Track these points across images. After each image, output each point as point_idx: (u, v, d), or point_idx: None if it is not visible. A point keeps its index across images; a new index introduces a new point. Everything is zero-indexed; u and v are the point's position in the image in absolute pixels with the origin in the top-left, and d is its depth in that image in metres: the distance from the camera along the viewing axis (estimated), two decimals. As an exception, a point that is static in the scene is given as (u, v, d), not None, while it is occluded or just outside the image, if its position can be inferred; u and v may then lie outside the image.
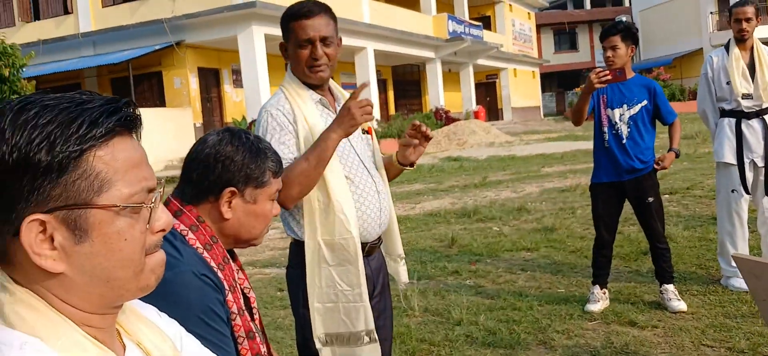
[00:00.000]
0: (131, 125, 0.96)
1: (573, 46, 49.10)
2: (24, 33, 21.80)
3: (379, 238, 2.50)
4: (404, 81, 32.86)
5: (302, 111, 2.32)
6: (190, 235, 1.63)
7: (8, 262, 0.93)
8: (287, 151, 2.26)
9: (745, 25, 4.75)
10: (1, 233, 0.90)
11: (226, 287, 1.61)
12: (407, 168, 2.58)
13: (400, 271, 2.66)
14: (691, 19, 39.65)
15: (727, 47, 4.87)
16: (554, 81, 49.55)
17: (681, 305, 4.39)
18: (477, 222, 8.21)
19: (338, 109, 2.42)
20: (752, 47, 4.77)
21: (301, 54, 2.34)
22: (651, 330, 4.13)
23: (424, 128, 2.50)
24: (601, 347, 3.93)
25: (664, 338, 3.99)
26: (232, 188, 1.69)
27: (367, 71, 24.33)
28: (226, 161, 1.68)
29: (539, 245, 6.57)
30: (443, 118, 26.65)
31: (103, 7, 21.48)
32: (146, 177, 0.97)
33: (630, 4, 48.53)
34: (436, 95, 28.99)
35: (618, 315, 4.37)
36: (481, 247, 6.69)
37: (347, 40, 22.76)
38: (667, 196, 8.76)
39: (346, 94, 2.50)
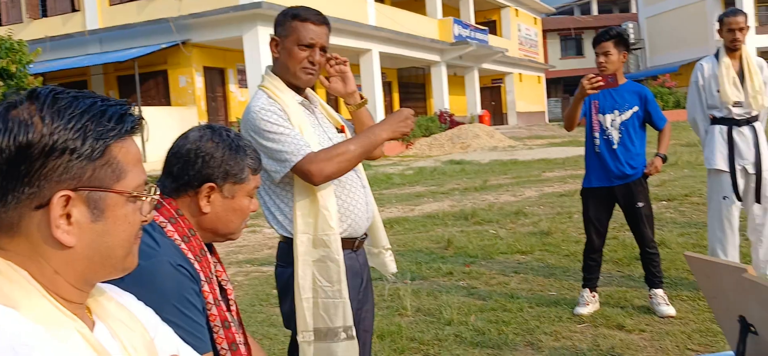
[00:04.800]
0: (140, 127, 1.12)
1: (579, 52, 49.10)
2: (31, 30, 21.95)
3: (366, 232, 2.57)
4: (409, 84, 32.93)
5: (290, 111, 2.38)
6: (169, 227, 1.70)
7: (11, 233, 1.02)
8: (298, 140, 2.31)
9: (738, 34, 4.79)
10: (20, 203, 1.01)
11: (203, 277, 1.67)
12: (362, 105, 2.60)
13: (387, 262, 2.72)
14: (697, 26, 39.62)
15: (716, 55, 4.92)
16: (560, 86, 49.53)
17: (670, 310, 4.44)
18: (474, 225, 8.27)
19: (316, 112, 2.51)
20: (741, 56, 4.81)
21: (299, 55, 2.40)
22: (638, 333, 4.18)
23: (333, 55, 2.54)
24: (588, 349, 3.99)
25: (650, 342, 4.04)
26: (211, 184, 1.76)
27: (372, 73, 24.42)
28: (206, 157, 1.75)
29: (534, 248, 6.63)
30: (448, 121, 26.71)
31: (110, 5, 21.61)
32: (144, 172, 1.13)
33: (637, 10, 48.52)
34: (441, 98, 29.05)
35: (607, 318, 4.43)
36: (476, 249, 6.75)
37: (352, 42, 22.87)
38: (664, 202, 8.81)
39: (320, 99, 2.59)
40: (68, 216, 1.02)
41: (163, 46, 19.74)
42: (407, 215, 9.51)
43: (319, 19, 2.42)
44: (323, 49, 2.44)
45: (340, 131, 2.59)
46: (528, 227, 7.84)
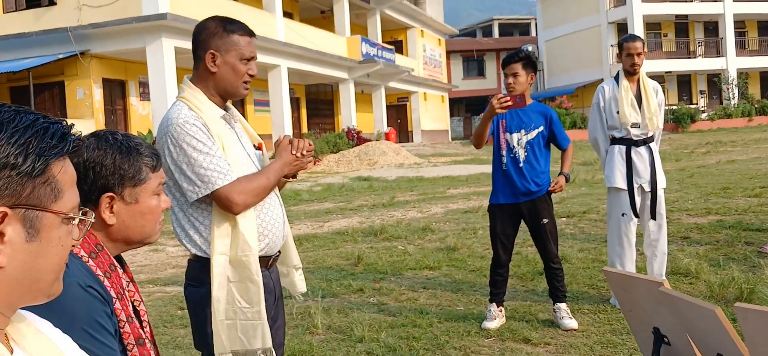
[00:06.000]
0: (80, 146, 1.08)
1: (481, 73, 50.45)
2: None
3: (279, 250, 2.52)
4: (317, 100, 32.91)
5: (211, 126, 2.30)
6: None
7: None
8: (223, 163, 2.24)
9: (636, 59, 5.05)
10: None
11: (114, 295, 1.59)
12: (290, 180, 2.60)
13: (297, 282, 2.67)
14: (592, 50, 41.61)
15: (616, 79, 5.16)
16: (462, 106, 50.72)
17: (572, 323, 4.59)
18: (383, 241, 8.31)
19: (236, 128, 2.44)
20: (638, 79, 5.07)
21: (242, 69, 2.36)
22: (543, 346, 4.30)
23: (309, 145, 2.54)
24: (496, 362, 4.06)
25: (555, 354, 4.16)
26: (110, 194, 1.66)
27: (280, 89, 24.24)
28: (96, 167, 1.64)
29: (442, 263, 6.72)
30: (355, 138, 26.83)
31: (4, 12, 20.50)
32: (77, 194, 1.09)
33: (536, 34, 50.42)
34: (349, 115, 29.15)
35: (513, 332, 4.53)
36: (386, 265, 6.77)
37: (261, 57, 22.62)
38: (564, 219, 9.13)
39: (240, 114, 2.54)
40: (2, 235, 0.96)
41: (61, 56, 18.88)
42: (317, 231, 9.45)
43: (250, 31, 2.41)
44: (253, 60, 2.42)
45: (258, 148, 2.54)
46: (435, 243, 7.94)
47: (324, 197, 14.27)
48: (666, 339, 1.79)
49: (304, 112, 31.60)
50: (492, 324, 4.65)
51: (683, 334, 1.74)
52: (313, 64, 26.33)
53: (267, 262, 2.40)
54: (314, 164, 22.95)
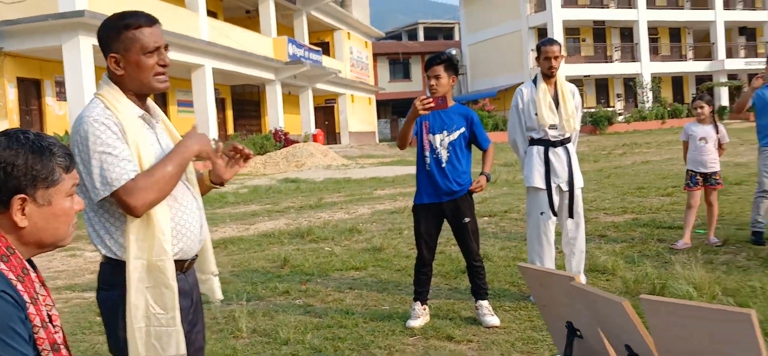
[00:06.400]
0: None
1: (407, 76, 50.89)
2: None
3: (196, 254, 2.47)
4: (243, 101, 32.49)
5: (127, 126, 2.22)
6: (-16, 248, 1.54)
7: None
8: (128, 165, 2.14)
9: (553, 62, 5.20)
10: None
11: (27, 299, 1.53)
12: (217, 187, 2.57)
13: (215, 288, 2.63)
14: (514, 54, 42.61)
15: (535, 81, 5.30)
16: (389, 108, 51.04)
17: (494, 320, 4.69)
18: (310, 243, 8.28)
19: (157, 128, 2.36)
20: (556, 82, 5.23)
21: (149, 63, 2.25)
22: (466, 344, 4.38)
23: (241, 148, 2.50)
24: (420, 360, 4.11)
25: (477, 351, 4.24)
26: (21, 195, 1.59)
27: (204, 89, 23.80)
28: (6, 168, 1.57)
29: (368, 264, 6.75)
30: (282, 140, 26.61)
31: None
32: None
33: (460, 38, 51.24)
34: (276, 116, 28.89)
35: (437, 330, 4.59)
36: (312, 267, 6.76)
37: (184, 57, 22.17)
38: (486, 218, 9.32)
39: (163, 113, 2.47)
40: None
41: (-30, 54, 18.00)
42: (242, 234, 9.33)
43: (150, 19, 2.28)
44: (166, 47, 2.32)
45: None
46: (362, 244, 7.97)
47: (250, 199, 14.10)
48: (579, 333, 1.86)
49: (229, 113, 31.13)
50: (416, 323, 4.71)
51: (595, 327, 1.81)
52: (238, 65, 25.97)
53: (182, 266, 2.34)
54: (245, 162, 22.62)
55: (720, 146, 6.95)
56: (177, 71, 24.21)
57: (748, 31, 47.89)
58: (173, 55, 21.13)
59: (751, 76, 28.19)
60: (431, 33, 59.35)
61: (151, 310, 2.20)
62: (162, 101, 25.52)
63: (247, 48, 26.37)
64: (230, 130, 30.25)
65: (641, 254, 6.50)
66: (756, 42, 47.15)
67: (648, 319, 1.59)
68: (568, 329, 1.84)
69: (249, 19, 30.97)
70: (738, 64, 44.07)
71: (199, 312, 2.51)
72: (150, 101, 2.41)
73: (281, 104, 29.50)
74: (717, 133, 6.90)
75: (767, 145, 6.81)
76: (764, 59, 6.92)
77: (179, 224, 2.30)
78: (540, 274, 1.93)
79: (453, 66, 4.80)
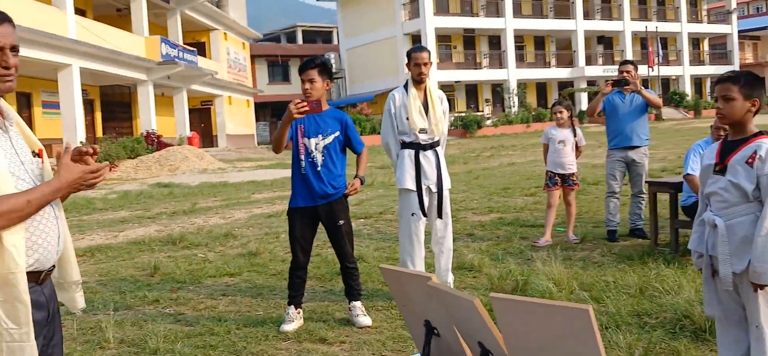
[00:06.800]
0: None
1: (286, 78, 50.57)
2: None
3: (54, 264, 2.36)
4: (113, 102, 31.13)
5: None
6: None
7: None
8: None
9: (423, 68, 5.36)
10: None
11: None
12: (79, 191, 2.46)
13: (77, 298, 2.53)
14: (390, 59, 43.38)
15: (405, 87, 5.45)
16: (268, 110, 50.49)
17: (367, 320, 4.79)
18: (182, 249, 8.08)
19: (11, 132, 2.24)
20: (426, 88, 5.40)
21: None
22: (339, 345, 4.44)
23: (86, 149, 2.38)
24: (294, 364, 4.13)
25: (349, 352, 4.31)
26: None
27: (71, 90, 22.60)
28: None
29: (242, 269, 6.68)
30: (155, 143, 25.70)
31: None
32: None
33: (338, 42, 51.53)
34: (148, 118, 27.83)
35: (310, 333, 4.63)
36: (184, 274, 6.60)
37: (49, 56, 21.01)
38: (362, 220, 9.45)
39: (18, 116, 2.33)
40: None
41: None
42: (110, 242, 8.96)
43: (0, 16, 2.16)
44: (14, 49, 2.19)
45: (37, 155, 2.34)
46: (237, 249, 7.87)
47: (120, 205, 13.55)
48: (436, 331, 1.95)
49: (98, 115, 29.73)
50: (289, 327, 4.72)
51: (450, 325, 1.91)
52: (108, 65, 24.84)
53: (37, 277, 2.24)
54: (110, 170, 21.67)
55: (577, 149, 7.41)
56: (42, 71, 22.87)
57: (605, 40, 51.24)
58: (38, 54, 19.99)
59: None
60: (310, 36, 59.29)
61: (3, 325, 2.10)
62: (26, 102, 24.04)
63: (118, 47, 25.29)
64: (99, 132, 28.89)
65: (506, 252, 6.82)
66: (613, 50, 50.50)
67: (497, 316, 1.70)
68: (426, 328, 1.93)
69: (120, 18, 29.72)
70: (597, 71, 46.97)
71: (56, 325, 2.41)
72: (2, 102, 2.28)
73: (154, 105, 28.47)
74: (574, 136, 7.35)
75: (614, 147, 7.35)
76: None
77: (34, 235, 2.19)
78: (399, 275, 2.01)
79: (327, 70, 4.86)
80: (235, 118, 39.87)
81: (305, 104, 4.55)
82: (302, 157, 4.82)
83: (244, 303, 5.52)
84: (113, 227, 10.46)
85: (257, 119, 46.84)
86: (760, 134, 3.08)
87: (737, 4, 59.28)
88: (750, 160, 3.00)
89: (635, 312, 4.63)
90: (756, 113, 3.10)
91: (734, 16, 56.01)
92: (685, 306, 4.42)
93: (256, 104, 45.77)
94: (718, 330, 3.30)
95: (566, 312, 1.57)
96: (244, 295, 5.77)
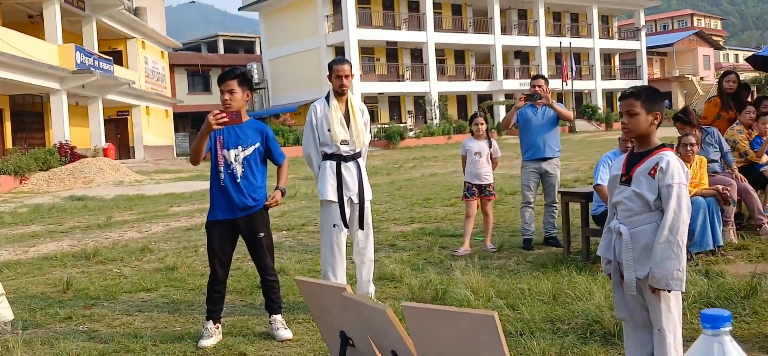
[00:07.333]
0: None
1: (207, 88, 49.70)
2: None
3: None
4: (24, 112, 29.84)
5: None
6: None
7: None
8: None
9: (345, 80, 5.41)
10: None
11: None
12: None
13: (1, 310, 2.45)
14: (314, 71, 43.30)
15: (327, 98, 5.48)
16: (188, 121, 49.46)
17: (287, 333, 4.76)
18: (97, 264, 7.83)
19: None
20: (347, 100, 5.45)
21: None
22: (259, 358, 4.41)
23: None
24: (212, 379, 4.07)
25: (270, 364, 4.29)
26: None
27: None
28: None
29: (160, 284, 6.53)
30: (68, 154, 24.76)
31: None
32: None
33: (261, 52, 51.05)
34: (62, 129, 26.79)
35: (229, 348, 4.57)
36: (98, 290, 6.40)
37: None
38: (284, 232, 9.40)
39: None
40: None
41: None
42: (20, 257, 8.59)
43: None
44: None
45: None
46: (154, 264, 7.69)
47: (30, 219, 13.00)
48: (351, 341, 1.98)
49: (8, 125, 28.42)
50: (208, 342, 4.65)
51: (365, 335, 1.95)
52: (18, 73, 23.79)
53: None
54: (20, 182, 20.77)
55: (493, 160, 7.60)
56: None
57: (522, 55, 52.74)
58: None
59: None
60: (232, 46, 58.48)
61: None
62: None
63: (29, 55, 24.28)
64: (9, 144, 27.63)
65: (426, 262, 6.93)
66: (529, 65, 52.02)
67: (408, 324, 1.75)
68: (341, 338, 1.96)
69: (32, 25, 28.58)
70: (514, 84, 48.20)
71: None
72: None
73: (67, 115, 27.45)
74: (490, 147, 7.54)
75: (529, 159, 7.58)
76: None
77: None
78: (314, 287, 2.04)
79: (247, 81, 4.84)
80: (154, 128, 38.90)
81: (224, 114, 4.52)
82: (221, 168, 4.77)
83: (160, 319, 5.40)
84: (23, 242, 10.04)
85: (177, 130, 45.84)
86: (662, 146, 3.25)
87: (646, 21, 62.11)
88: (652, 171, 3.16)
89: (549, 318, 4.79)
90: (658, 125, 3.27)
91: (643, 33, 58.63)
92: (596, 311, 4.60)
93: (175, 114, 44.80)
94: (625, 334, 3.45)
95: (473, 319, 1.63)
96: (161, 311, 5.65)
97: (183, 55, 51.08)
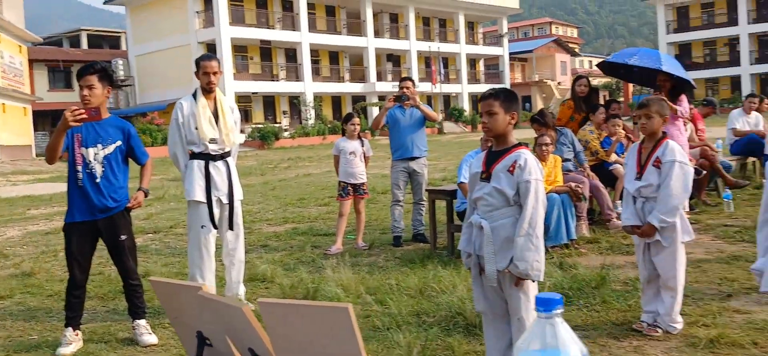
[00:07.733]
0: None
1: (69, 85, 46.98)
2: None
3: None
4: None
5: None
6: None
7: None
8: None
9: (212, 77, 5.32)
10: None
11: None
12: None
13: None
14: (184, 68, 41.89)
15: (194, 95, 5.37)
16: (48, 119, 46.59)
17: (152, 338, 4.63)
18: (-59, 273, 7.26)
19: None
20: (216, 97, 5.36)
21: None
22: (122, 364, 4.26)
23: None
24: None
25: (134, 370, 4.17)
26: None
27: None
28: None
29: (15, 291, 6.16)
30: None
31: None
32: None
33: (127, 48, 48.96)
34: None
35: (90, 354, 4.40)
36: (-57, 300, 5.95)
37: None
38: (151, 235, 9.11)
39: None
40: None
41: None
42: None
43: None
44: None
45: None
46: (9, 270, 7.23)
47: None
48: (208, 341, 1.97)
49: None
50: (67, 350, 4.45)
51: (222, 334, 1.94)
52: None
53: None
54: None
55: (365, 158, 7.73)
56: None
57: (394, 58, 53.75)
58: None
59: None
60: (96, 41, 55.64)
61: None
62: None
63: None
64: None
65: (298, 262, 6.94)
66: (401, 68, 53.02)
67: (264, 321, 1.77)
68: (198, 338, 1.95)
69: None
70: (386, 86, 48.91)
71: None
72: None
73: None
74: (362, 147, 7.67)
75: (398, 159, 7.77)
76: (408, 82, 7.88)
77: None
78: (169, 287, 2.01)
79: (108, 76, 4.66)
80: (10, 127, 36.34)
81: (82, 111, 4.33)
82: (79, 168, 4.57)
83: (16, 328, 5.10)
84: None
85: (36, 129, 43.03)
86: (519, 145, 3.45)
87: (508, 28, 64.86)
88: (511, 168, 3.34)
89: (415, 312, 4.94)
90: (515, 125, 3.46)
91: (506, 40, 61.24)
92: (459, 303, 4.79)
93: (34, 112, 42.04)
94: (484, 325, 3.63)
95: (327, 312, 1.67)
96: (17, 319, 5.33)
97: (43, 50, 48.07)
